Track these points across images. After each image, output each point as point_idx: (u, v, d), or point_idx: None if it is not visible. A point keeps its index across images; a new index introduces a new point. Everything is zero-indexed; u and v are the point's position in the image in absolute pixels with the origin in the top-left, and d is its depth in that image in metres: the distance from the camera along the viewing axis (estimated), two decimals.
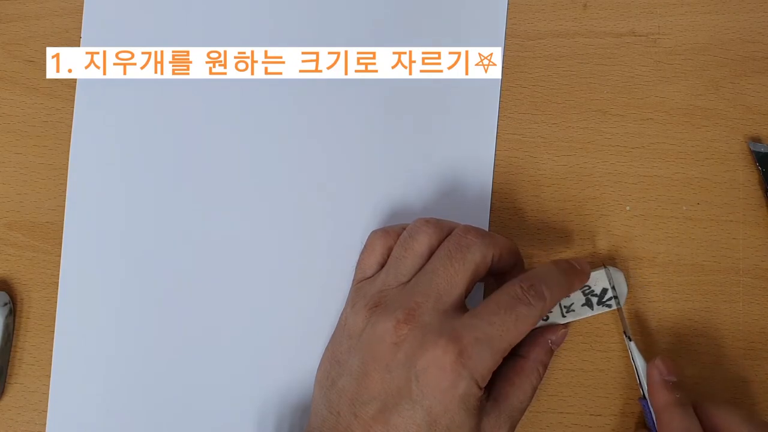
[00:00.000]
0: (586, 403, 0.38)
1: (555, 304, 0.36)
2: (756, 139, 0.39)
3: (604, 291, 0.37)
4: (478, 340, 0.32)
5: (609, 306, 0.37)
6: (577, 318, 0.37)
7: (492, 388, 0.34)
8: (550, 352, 0.36)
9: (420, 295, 0.33)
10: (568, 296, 0.37)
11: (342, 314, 0.37)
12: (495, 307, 0.33)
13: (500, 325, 0.32)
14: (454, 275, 0.33)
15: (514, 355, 0.36)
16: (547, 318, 0.37)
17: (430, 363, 0.32)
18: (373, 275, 0.37)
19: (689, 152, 0.40)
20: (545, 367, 0.36)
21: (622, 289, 0.38)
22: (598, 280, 0.37)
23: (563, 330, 0.37)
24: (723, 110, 0.40)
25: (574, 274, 0.36)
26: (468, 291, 0.34)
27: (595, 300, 0.37)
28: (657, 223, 0.39)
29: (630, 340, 0.37)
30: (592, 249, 0.39)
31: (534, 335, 0.36)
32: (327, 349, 0.37)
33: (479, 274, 0.34)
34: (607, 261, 0.39)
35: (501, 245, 0.35)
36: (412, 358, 0.32)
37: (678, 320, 0.38)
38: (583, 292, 0.37)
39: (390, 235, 0.37)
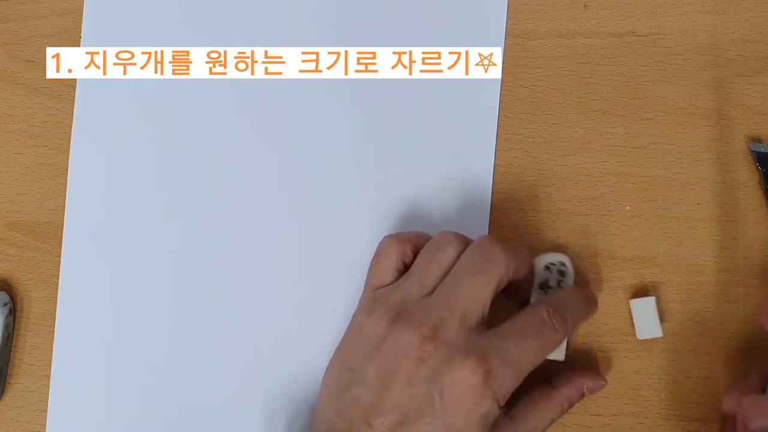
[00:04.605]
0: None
1: (573, 330, 0.36)
2: (756, 139, 0.39)
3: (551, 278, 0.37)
4: (505, 363, 0.32)
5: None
6: None
7: (513, 406, 0.34)
8: (581, 396, 0.36)
9: (445, 309, 0.33)
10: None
11: (355, 319, 0.36)
12: (522, 331, 0.33)
13: (527, 349, 0.33)
14: (480, 290, 0.33)
15: (546, 382, 0.36)
16: None
17: (456, 381, 0.32)
18: (391, 282, 0.36)
19: (689, 152, 0.40)
20: (570, 406, 0.36)
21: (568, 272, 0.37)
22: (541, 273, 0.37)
23: (602, 382, 0.37)
24: (723, 110, 0.40)
25: (592, 302, 0.37)
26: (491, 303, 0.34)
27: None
28: (657, 223, 0.39)
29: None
30: (593, 249, 0.39)
31: (572, 374, 0.36)
32: (337, 353, 0.36)
33: (501, 286, 0.34)
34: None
35: (523, 258, 0.35)
36: (436, 374, 0.32)
37: (678, 320, 0.38)
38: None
39: (404, 242, 0.36)
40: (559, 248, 0.39)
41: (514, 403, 0.34)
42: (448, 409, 0.32)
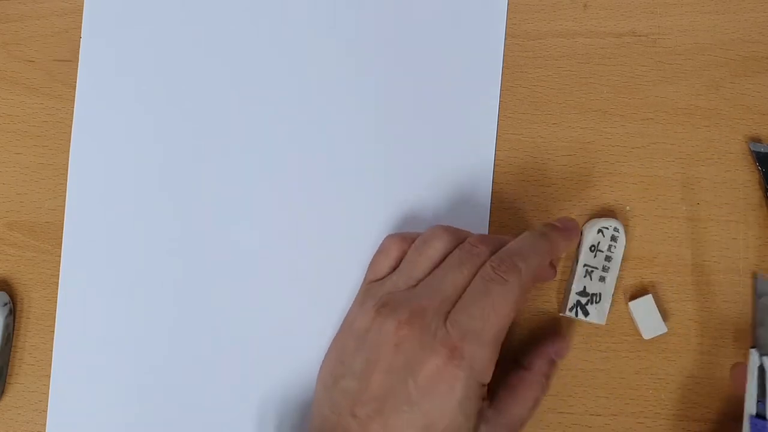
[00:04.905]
0: (586, 403, 0.38)
1: (534, 272, 0.34)
2: (756, 139, 0.39)
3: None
4: (465, 338, 0.31)
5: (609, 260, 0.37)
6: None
7: (494, 398, 0.34)
8: (553, 364, 0.36)
9: (425, 298, 0.33)
10: (559, 256, 0.37)
11: (349, 313, 0.37)
12: (470, 298, 0.33)
13: (480, 315, 0.32)
14: (463, 282, 0.33)
15: (519, 365, 0.36)
16: (588, 313, 0.37)
17: (426, 366, 0.32)
18: (383, 277, 0.37)
19: (689, 152, 0.40)
20: (548, 378, 0.36)
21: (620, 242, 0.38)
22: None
23: (564, 342, 0.37)
24: (723, 110, 0.40)
25: (556, 233, 0.35)
26: None
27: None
28: (657, 223, 0.39)
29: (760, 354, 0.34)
30: None
31: (537, 347, 0.36)
32: (331, 347, 0.37)
33: None
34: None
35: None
36: (410, 362, 0.32)
37: (678, 320, 0.38)
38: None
39: (406, 241, 0.37)
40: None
41: (495, 394, 0.34)
42: (423, 396, 0.31)
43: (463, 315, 0.32)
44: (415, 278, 0.35)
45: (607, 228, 0.38)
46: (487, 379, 0.32)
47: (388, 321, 0.33)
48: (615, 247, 0.38)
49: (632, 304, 0.38)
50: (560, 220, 0.37)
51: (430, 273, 0.35)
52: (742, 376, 0.33)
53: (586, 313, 0.37)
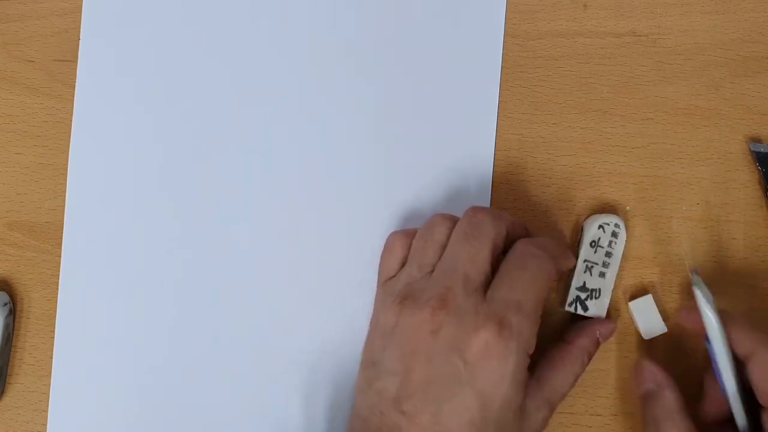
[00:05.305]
0: (586, 403, 0.38)
1: (560, 257, 0.35)
2: (756, 139, 0.39)
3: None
4: (509, 309, 0.32)
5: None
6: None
7: (536, 370, 0.34)
8: (597, 343, 0.36)
9: (448, 279, 0.33)
10: (569, 263, 0.37)
11: (372, 317, 0.37)
12: (507, 273, 0.33)
13: (520, 287, 0.33)
14: (475, 254, 0.33)
15: (562, 340, 0.36)
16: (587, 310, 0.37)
17: (474, 345, 0.31)
18: (396, 274, 0.37)
19: (689, 152, 0.40)
20: (590, 356, 0.36)
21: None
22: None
23: (612, 325, 0.37)
24: (723, 110, 0.40)
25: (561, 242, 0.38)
26: (493, 267, 0.34)
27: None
28: (657, 223, 0.39)
29: (696, 275, 0.35)
30: None
31: (583, 325, 0.37)
32: (362, 354, 0.36)
33: (498, 248, 0.34)
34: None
35: (509, 219, 0.36)
36: (454, 343, 0.32)
37: (678, 320, 0.38)
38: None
39: (409, 236, 0.37)
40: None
41: (536, 366, 0.34)
42: (475, 374, 0.31)
43: (502, 289, 0.33)
44: (430, 264, 0.35)
45: (608, 224, 0.38)
46: (532, 349, 0.32)
47: (415, 311, 0.33)
48: (615, 243, 0.38)
49: (632, 304, 0.38)
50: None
51: (441, 257, 0.35)
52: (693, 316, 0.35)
53: (585, 309, 0.37)
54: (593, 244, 0.38)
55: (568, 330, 0.37)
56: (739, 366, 0.34)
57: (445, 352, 0.32)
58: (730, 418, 0.34)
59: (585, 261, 0.37)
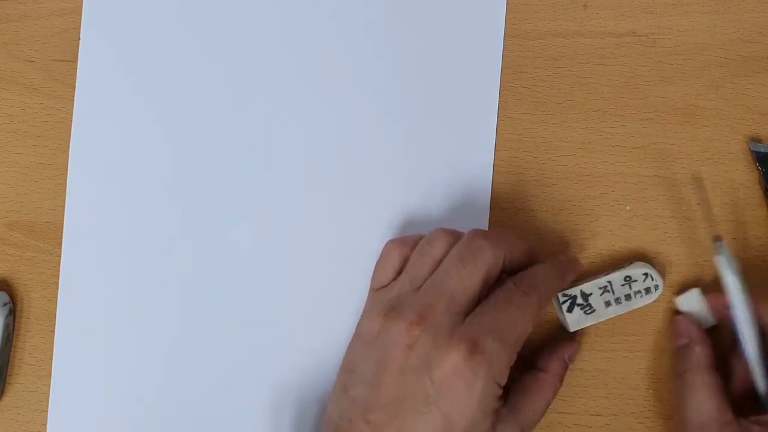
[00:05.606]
0: (586, 403, 0.38)
1: (551, 296, 0.36)
2: (756, 139, 0.39)
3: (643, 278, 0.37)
4: (487, 336, 0.32)
5: (649, 292, 0.37)
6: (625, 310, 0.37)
7: (509, 398, 0.34)
8: (566, 366, 0.36)
9: (432, 296, 0.33)
10: (565, 287, 0.37)
11: (358, 324, 0.37)
12: (493, 305, 0.33)
13: (504, 318, 0.33)
14: (466, 277, 0.33)
15: (533, 368, 0.36)
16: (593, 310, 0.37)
17: (444, 365, 0.31)
18: (389, 283, 0.37)
19: (689, 152, 0.40)
20: (561, 380, 0.36)
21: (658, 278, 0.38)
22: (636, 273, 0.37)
23: (575, 345, 0.37)
24: (723, 110, 0.40)
25: (565, 265, 0.37)
26: (482, 293, 0.34)
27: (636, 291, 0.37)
28: (657, 223, 0.39)
29: (718, 242, 0.35)
30: (593, 249, 0.39)
31: (551, 350, 0.37)
32: (343, 358, 0.36)
33: (491, 277, 0.34)
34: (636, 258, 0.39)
35: (512, 246, 0.35)
36: (426, 361, 0.32)
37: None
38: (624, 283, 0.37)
39: (406, 245, 0.37)
40: (559, 248, 0.39)
41: (510, 395, 0.34)
42: (441, 394, 0.31)
43: (484, 316, 0.33)
44: (420, 278, 0.35)
45: (653, 279, 0.37)
46: (504, 380, 0.32)
47: (397, 323, 0.33)
48: (641, 296, 0.37)
49: (679, 299, 0.38)
50: (565, 254, 0.38)
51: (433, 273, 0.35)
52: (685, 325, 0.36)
53: (569, 310, 0.37)
54: (627, 278, 0.37)
55: (538, 357, 0.36)
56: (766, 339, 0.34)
57: (416, 369, 0.32)
58: (754, 392, 0.35)
59: (608, 282, 0.37)
